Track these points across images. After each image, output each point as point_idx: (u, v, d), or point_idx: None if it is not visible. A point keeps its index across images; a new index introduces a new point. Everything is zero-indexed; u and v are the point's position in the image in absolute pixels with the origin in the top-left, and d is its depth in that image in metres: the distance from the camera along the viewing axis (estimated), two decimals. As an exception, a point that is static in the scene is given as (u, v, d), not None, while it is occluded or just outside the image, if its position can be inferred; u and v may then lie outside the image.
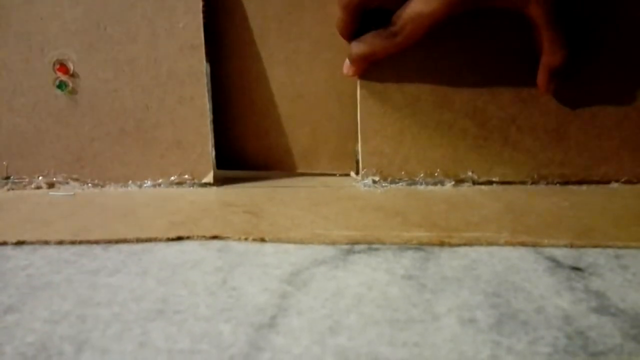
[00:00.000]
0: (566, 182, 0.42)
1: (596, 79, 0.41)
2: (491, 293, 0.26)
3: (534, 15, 0.37)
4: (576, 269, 0.28)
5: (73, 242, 0.33)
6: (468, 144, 0.42)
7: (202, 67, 0.43)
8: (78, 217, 0.37)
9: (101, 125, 0.43)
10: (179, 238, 0.33)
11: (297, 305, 0.26)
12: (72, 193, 0.43)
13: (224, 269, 0.29)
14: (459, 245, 0.31)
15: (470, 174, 0.43)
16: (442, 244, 0.31)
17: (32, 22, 0.42)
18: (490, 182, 0.43)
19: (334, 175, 0.46)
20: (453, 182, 0.43)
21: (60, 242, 0.33)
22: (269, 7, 0.43)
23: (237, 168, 0.47)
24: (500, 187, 0.42)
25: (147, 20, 0.42)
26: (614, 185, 0.42)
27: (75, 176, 0.44)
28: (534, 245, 0.31)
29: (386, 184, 0.43)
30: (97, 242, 0.33)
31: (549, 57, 0.38)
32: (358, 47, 0.40)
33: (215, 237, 0.33)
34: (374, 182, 0.43)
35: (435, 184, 0.43)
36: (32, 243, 0.33)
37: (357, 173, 0.45)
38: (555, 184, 0.42)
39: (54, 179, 0.44)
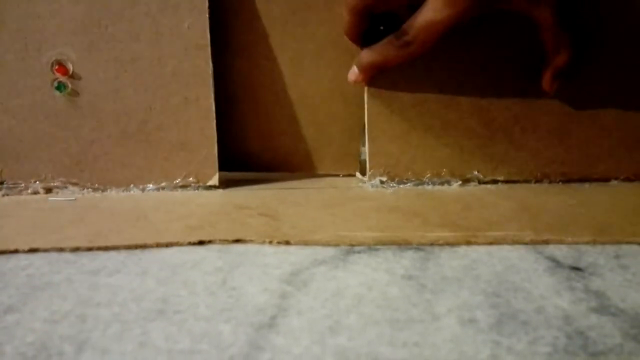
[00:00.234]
0: (568, 181, 0.44)
1: (597, 79, 0.42)
2: (491, 293, 0.26)
3: (541, 18, 0.38)
4: (576, 268, 0.29)
5: (90, 249, 0.32)
6: (473, 144, 0.43)
7: (208, 68, 0.42)
8: (88, 222, 0.36)
9: (102, 127, 0.42)
10: (201, 242, 0.32)
11: (297, 305, 0.25)
12: (73, 198, 0.41)
13: (224, 269, 0.29)
14: (484, 244, 0.32)
15: (476, 173, 0.43)
16: (468, 244, 0.32)
17: (28, 20, 0.40)
18: (495, 182, 0.43)
19: (338, 175, 0.46)
20: (460, 182, 0.43)
21: (76, 249, 0.32)
22: (274, 8, 0.43)
23: (239, 169, 0.46)
24: (506, 186, 0.43)
25: (151, 19, 0.41)
26: (614, 182, 0.43)
27: (74, 180, 0.42)
28: (558, 243, 0.32)
29: (394, 185, 0.43)
30: (116, 249, 0.32)
31: (555, 58, 0.39)
32: (370, 56, 0.40)
33: (238, 241, 0.33)
34: (382, 182, 0.43)
35: (442, 183, 0.43)
36: (46, 250, 0.32)
37: (362, 173, 0.45)
38: (558, 182, 0.44)
39: (52, 184, 0.42)
